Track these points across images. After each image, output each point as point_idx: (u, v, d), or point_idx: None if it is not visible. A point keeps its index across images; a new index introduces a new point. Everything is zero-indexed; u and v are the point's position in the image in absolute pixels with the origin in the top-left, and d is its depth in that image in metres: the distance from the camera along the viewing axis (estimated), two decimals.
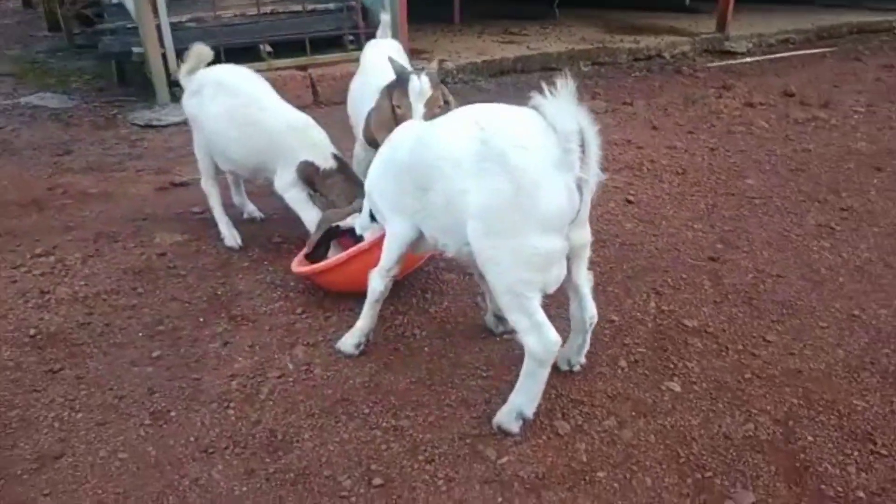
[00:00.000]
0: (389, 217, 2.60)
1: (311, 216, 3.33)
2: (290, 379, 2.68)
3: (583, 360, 2.66)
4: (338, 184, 3.30)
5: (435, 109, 2.91)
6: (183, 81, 3.64)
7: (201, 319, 3.07)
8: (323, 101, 6.50)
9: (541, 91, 2.07)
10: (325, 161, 3.33)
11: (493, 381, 2.66)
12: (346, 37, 6.90)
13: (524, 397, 2.33)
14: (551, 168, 2.06)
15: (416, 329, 3.00)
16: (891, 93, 7.07)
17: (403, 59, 4.18)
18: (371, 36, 6.29)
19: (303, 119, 3.46)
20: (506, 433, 2.35)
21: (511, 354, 2.73)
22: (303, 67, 6.56)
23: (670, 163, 5.08)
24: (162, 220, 4.05)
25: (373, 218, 2.82)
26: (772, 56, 8.88)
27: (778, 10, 10.67)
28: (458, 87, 7.07)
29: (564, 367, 2.65)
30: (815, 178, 4.80)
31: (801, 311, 3.16)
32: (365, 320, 2.76)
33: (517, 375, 2.36)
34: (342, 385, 2.65)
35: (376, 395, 2.60)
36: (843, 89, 7.16)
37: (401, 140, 2.57)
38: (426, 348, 2.87)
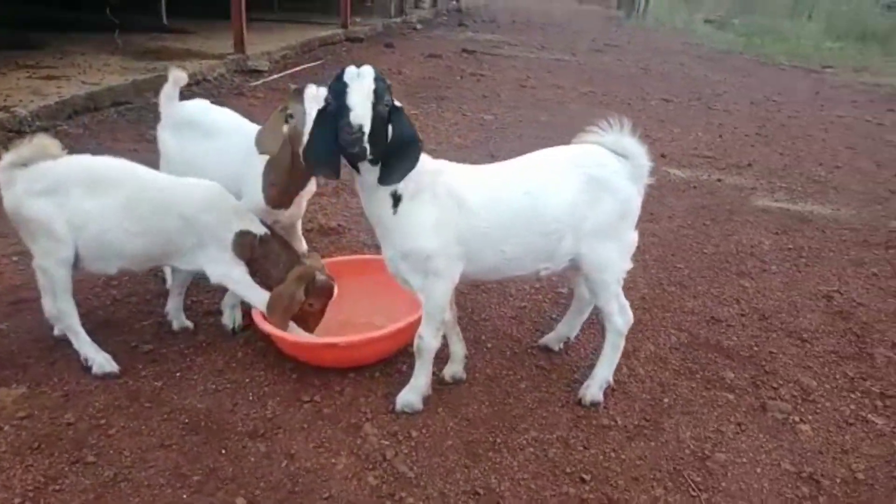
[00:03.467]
0: (445, 269, 2.67)
1: (262, 297, 3.03)
2: None
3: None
4: (274, 251, 3.09)
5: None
6: (9, 175, 2.79)
7: None
8: None
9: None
10: (258, 227, 3.07)
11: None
12: None
13: (608, 368, 2.95)
14: (631, 182, 2.81)
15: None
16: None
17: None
18: None
19: (215, 187, 3.09)
20: (597, 404, 2.93)
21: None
22: None
23: None
24: None
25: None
26: (290, 71, 10.02)
27: (259, 28, 11.80)
28: None
29: (556, 348, 3.34)
30: None
31: None
32: (423, 378, 2.83)
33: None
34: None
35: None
36: None
37: (489, 197, 2.70)
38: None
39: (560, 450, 2.69)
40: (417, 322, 2.83)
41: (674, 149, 7.11)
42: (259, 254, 3.07)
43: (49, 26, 9.98)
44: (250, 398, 2.91)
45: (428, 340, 2.76)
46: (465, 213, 2.67)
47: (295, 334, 3.07)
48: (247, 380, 3.02)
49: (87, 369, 2.98)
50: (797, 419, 2.94)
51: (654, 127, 8.00)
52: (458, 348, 3.03)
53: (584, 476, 2.56)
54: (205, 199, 3.02)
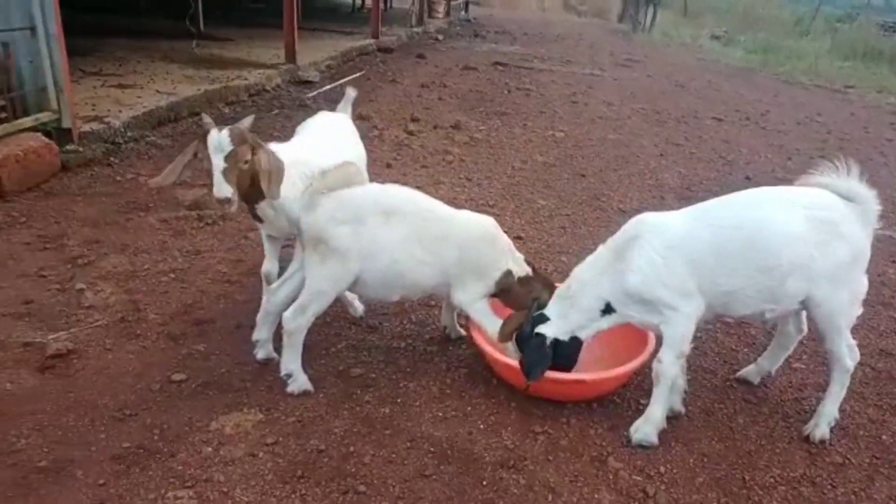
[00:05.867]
0: (679, 303, 2.77)
1: (496, 326, 3.05)
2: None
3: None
4: (535, 290, 3.15)
5: (241, 165, 2.86)
6: (313, 200, 2.91)
7: None
8: (9, 191, 4.75)
9: None
10: (522, 267, 3.17)
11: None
12: None
13: (834, 405, 2.98)
14: (861, 227, 2.85)
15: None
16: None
17: (350, 134, 3.87)
18: (24, 99, 5.07)
19: (491, 222, 3.17)
20: (824, 441, 2.95)
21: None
22: None
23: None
24: None
25: (606, 311, 2.91)
26: (339, 82, 9.98)
27: (304, 37, 11.76)
28: (133, 148, 6.03)
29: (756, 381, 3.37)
30: None
31: None
32: (660, 408, 2.85)
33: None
34: None
35: None
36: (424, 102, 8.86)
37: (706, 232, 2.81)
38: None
39: (810, 488, 2.72)
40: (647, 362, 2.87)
41: (753, 171, 7.20)
42: (518, 291, 3.13)
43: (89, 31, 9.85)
44: (481, 427, 2.90)
45: (667, 365, 2.80)
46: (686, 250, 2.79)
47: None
48: (468, 408, 3.02)
49: (284, 385, 3.00)
50: None
51: (721, 147, 8.11)
52: (680, 381, 3.04)
53: None
54: (482, 234, 3.10)
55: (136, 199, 5.03)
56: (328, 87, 9.66)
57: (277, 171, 2.97)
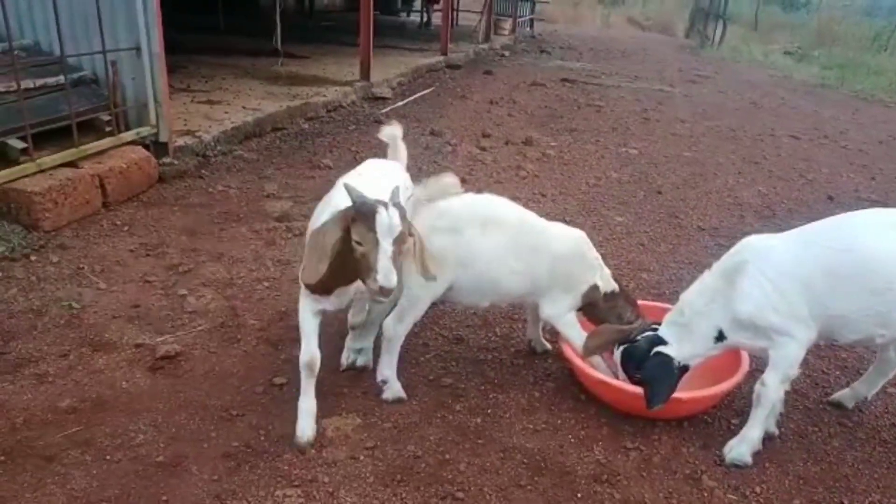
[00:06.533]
0: (791, 328, 2.77)
1: (581, 338, 3.12)
2: None
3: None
4: (619, 307, 3.21)
5: (402, 247, 2.49)
6: (414, 210, 2.94)
7: None
8: (113, 201, 5.05)
9: None
10: (609, 283, 3.22)
11: None
12: (101, 118, 5.38)
13: None
14: None
15: None
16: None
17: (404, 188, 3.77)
18: (125, 114, 5.37)
19: (582, 236, 3.26)
20: None
21: None
22: (71, 163, 4.92)
23: None
24: None
25: (719, 338, 2.92)
26: (411, 98, 10.20)
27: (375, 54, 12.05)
28: (222, 161, 6.32)
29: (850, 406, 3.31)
30: None
31: None
32: (758, 430, 2.86)
33: None
34: None
35: None
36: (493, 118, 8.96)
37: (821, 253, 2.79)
38: None
39: None
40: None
41: (835, 190, 7.02)
42: (603, 307, 3.19)
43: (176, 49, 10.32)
44: (572, 440, 2.95)
45: (772, 389, 2.80)
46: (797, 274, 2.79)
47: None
48: (558, 421, 3.07)
49: (379, 392, 3.11)
50: None
51: (801, 166, 7.94)
52: (779, 404, 3.01)
53: None
54: (574, 247, 3.18)
55: (228, 209, 5.28)
56: (401, 102, 9.89)
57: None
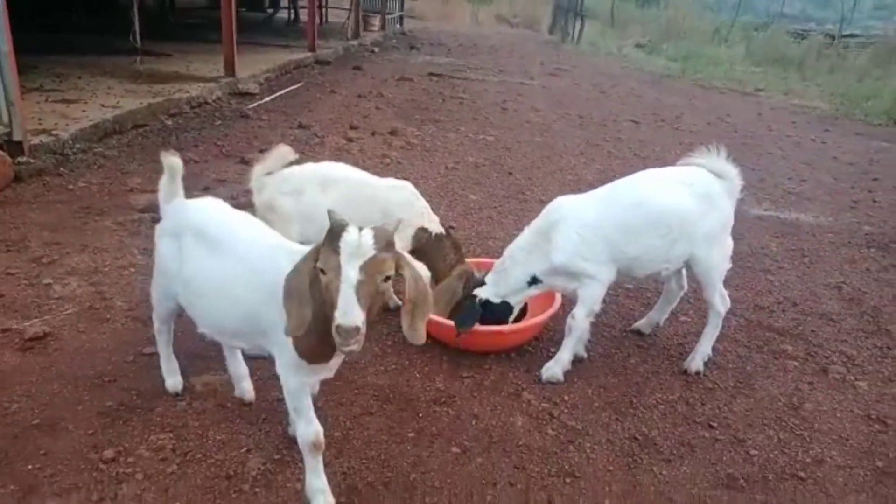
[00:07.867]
0: (596, 270, 3.35)
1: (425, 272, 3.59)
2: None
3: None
4: (445, 248, 3.72)
5: (379, 282, 2.03)
6: (261, 182, 3.49)
7: None
8: None
9: None
10: (436, 227, 3.73)
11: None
12: None
13: (709, 344, 3.60)
14: (729, 197, 3.47)
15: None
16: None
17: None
18: None
19: (410, 188, 3.78)
20: (699, 373, 3.56)
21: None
22: None
23: None
24: None
25: (532, 282, 3.46)
26: (279, 93, 10.38)
27: (242, 51, 12.08)
28: (82, 158, 6.35)
29: (647, 331, 3.98)
30: None
31: None
32: (568, 353, 3.41)
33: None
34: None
35: None
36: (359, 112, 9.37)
37: (613, 209, 3.39)
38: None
39: (684, 406, 3.33)
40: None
41: (663, 164, 7.89)
42: (430, 248, 3.68)
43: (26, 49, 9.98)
44: (417, 375, 3.41)
45: (580, 321, 3.38)
46: (599, 227, 3.37)
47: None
48: (406, 362, 3.52)
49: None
50: (853, 378, 3.69)
51: (637, 147, 8.87)
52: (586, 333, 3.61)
53: (712, 424, 3.21)
54: (403, 195, 3.70)
55: (90, 204, 5.35)
56: (269, 98, 10.05)
57: (429, 297, 2.26)
